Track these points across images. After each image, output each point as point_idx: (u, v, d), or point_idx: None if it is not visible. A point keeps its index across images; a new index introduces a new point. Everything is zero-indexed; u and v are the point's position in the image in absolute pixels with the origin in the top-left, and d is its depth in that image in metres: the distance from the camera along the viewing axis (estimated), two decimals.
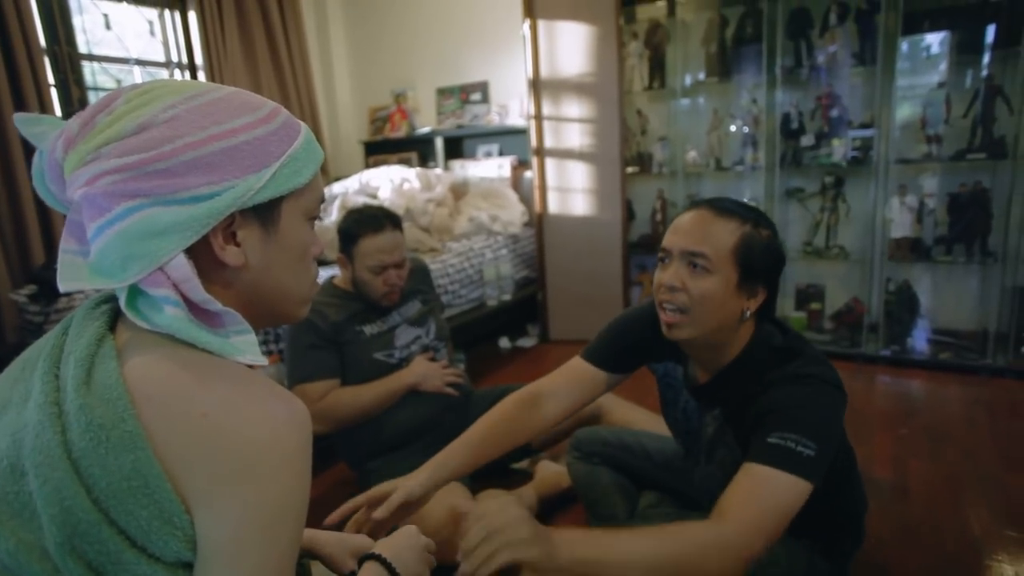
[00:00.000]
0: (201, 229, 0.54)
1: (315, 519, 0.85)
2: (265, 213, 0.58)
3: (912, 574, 1.39)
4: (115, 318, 0.59)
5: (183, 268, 0.53)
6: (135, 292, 0.55)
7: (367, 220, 1.65)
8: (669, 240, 1.03)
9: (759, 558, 0.83)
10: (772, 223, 1.04)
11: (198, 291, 0.54)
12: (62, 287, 0.55)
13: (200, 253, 0.55)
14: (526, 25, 3.06)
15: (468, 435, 1.13)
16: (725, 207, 1.02)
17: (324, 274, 2.25)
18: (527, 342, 3.28)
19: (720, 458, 1.11)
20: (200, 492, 0.51)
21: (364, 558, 0.78)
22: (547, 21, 3.05)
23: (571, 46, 3.04)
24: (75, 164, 0.53)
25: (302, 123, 0.63)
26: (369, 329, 1.70)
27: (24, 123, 0.57)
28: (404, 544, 0.81)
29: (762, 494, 0.86)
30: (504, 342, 3.26)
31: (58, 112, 2.56)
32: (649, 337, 1.15)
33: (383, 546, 0.81)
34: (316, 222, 0.71)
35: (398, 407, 1.68)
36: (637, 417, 1.71)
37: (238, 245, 0.57)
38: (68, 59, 2.65)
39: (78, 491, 0.49)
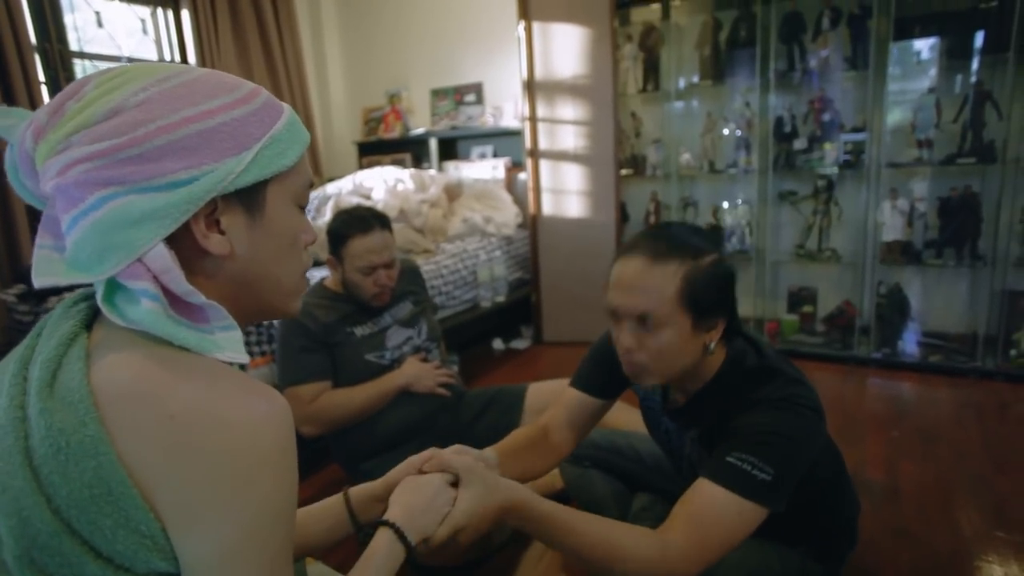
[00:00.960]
0: (180, 216, 0.51)
1: None
2: (249, 198, 0.55)
3: (902, 573, 1.40)
4: (92, 316, 0.57)
5: (163, 258, 0.51)
6: (113, 286, 0.52)
7: (356, 221, 1.64)
8: (613, 299, 0.98)
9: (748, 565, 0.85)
10: (714, 240, 1.03)
11: (179, 282, 0.51)
12: (37, 282, 0.53)
13: (182, 242, 0.53)
14: (521, 27, 3.06)
15: (501, 446, 1.13)
16: (660, 250, 0.95)
17: (316, 275, 2.24)
18: (520, 344, 3.28)
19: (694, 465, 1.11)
20: (174, 502, 0.48)
21: (377, 523, 0.78)
22: (542, 23, 3.06)
23: (566, 48, 3.05)
24: (46, 154, 0.51)
25: (285, 104, 0.60)
26: (360, 330, 1.69)
27: None
28: (420, 505, 0.81)
29: (711, 517, 0.87)
30: (498, 343, 3.26)
31: None
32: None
33: (397, 508, 0.81)
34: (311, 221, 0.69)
35: (390, 408, 1.67)
36: (631, 418, 1.71)
37: (223, 233, 0.54)
38: (59, 57, 2.63)
39: (37, 500, 0.47)
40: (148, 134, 0.50)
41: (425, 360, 1.77)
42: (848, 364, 2.76)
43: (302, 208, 0.61)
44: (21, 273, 2.22)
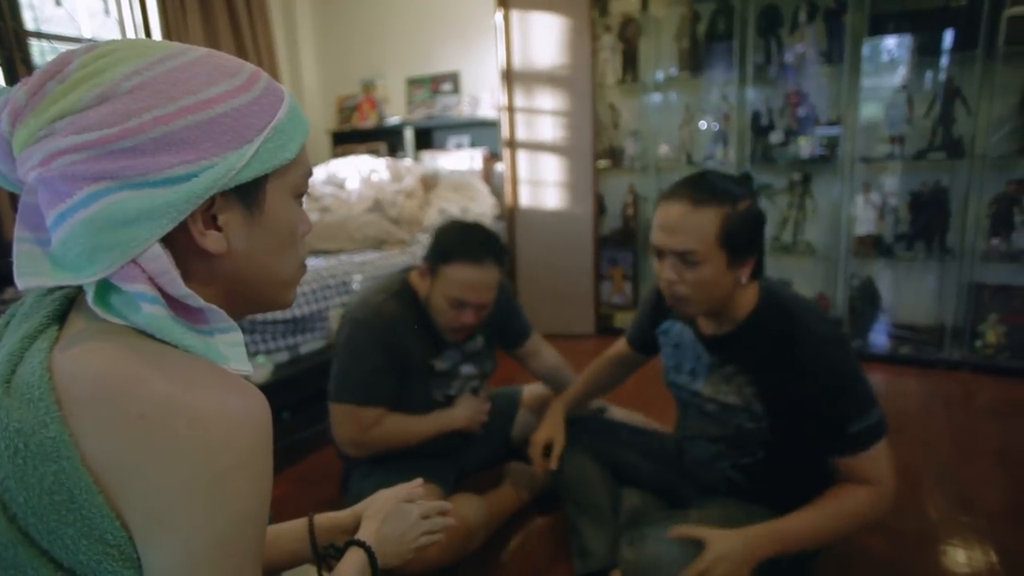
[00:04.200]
0: (178, 215, 0.47)
1: (278, 519, 0.81)
2: (248, 193, 0.51)
3: (874, 559, 1.43)
4: (66, 308, 0.53)
5: (159, 260, 0.47)
6: (106, 288, 0.48)
7: (471, 244, 1.41)
8: (657, 238, 1.12)
9: None
10: (749, 182, 1.14)
11: (177, 285, 0.48)
12: (21, 283, 0.48)
13: (176, 241, 0.49)
14: (499, 15, 3.02)
15: (584, 379, 1.58)
16: (702, 196, 1.07)
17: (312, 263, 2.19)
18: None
19: (710, 431, 1.24)
20: (142, 507, 0.45)
21: (348, 543, 0.77)
22: (520, 12, 3.02)
23: (544, 38, 3.02)
24: (25, 140, 0.46)
25: (284, 88, 0.56)
26: (439, 364, 1.54)
27: None
28: (393, 536, 0.80)
29: (882, 462, 1.07)
30: None
31: None
32: (652, 307, 1.38)
33: (372, 532, 0.79)
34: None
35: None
36: (636, 420, 1.72)
37: (219, 230, 0.51)
38: (14, 35, 2.51)
39: None
40: (143, 125, 0.46)
41: (475, 392, 1.65)
42: None
43: (300, 198, 0.58)
44: None
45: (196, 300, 0.49)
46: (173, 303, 0.49)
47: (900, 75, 2.62)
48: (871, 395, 1.07)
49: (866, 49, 2.60)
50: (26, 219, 0.49)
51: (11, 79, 2.51)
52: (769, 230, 3.02)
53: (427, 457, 1.54)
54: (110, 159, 0.45)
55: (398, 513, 0.82)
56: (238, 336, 0.53)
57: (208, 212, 0.50)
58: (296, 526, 0.84)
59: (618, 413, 1.75)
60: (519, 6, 3.02)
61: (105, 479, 0.44)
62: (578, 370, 1.72)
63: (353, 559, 0.74)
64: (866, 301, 2.80)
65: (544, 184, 3.19)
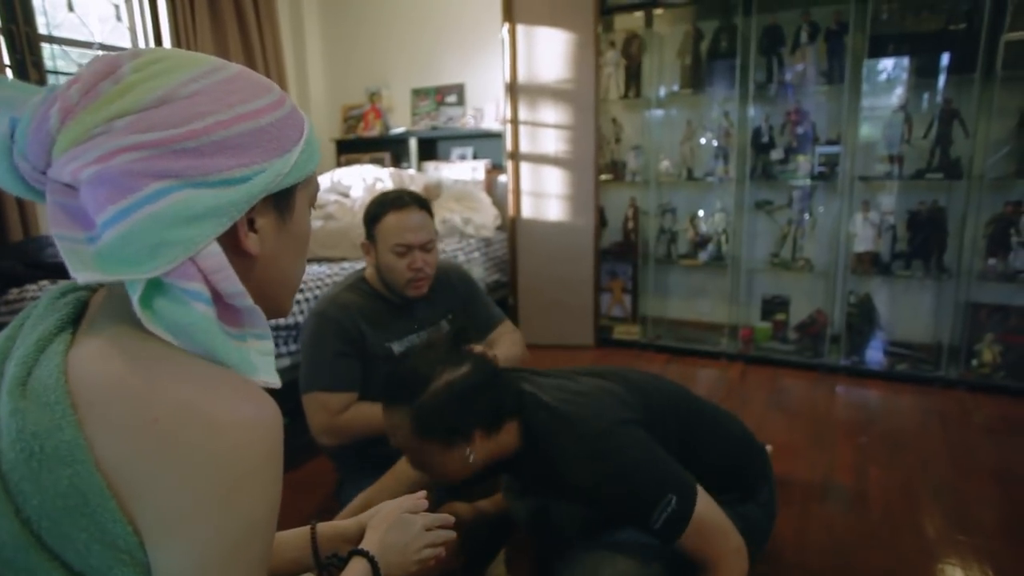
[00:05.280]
0: (236, 215, 0.49)
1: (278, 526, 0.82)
2: (283, 200, 0.55)
3: None
4: (81, 310, 0.53)
5: (216, 257, 0.48)
6: (154, 287, 0.47)
7: (391, 199, 1.54)
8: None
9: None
10: (451, 363, 1.05)
11: (232, 282, 0.49)
12: (80, 278, 0.47)
13: (222, 242, 0.50)
14: (505, 29, 3.06)
15: None
16: (396, 400, 1.05)
17: (315, 270, 2.19)
18: None
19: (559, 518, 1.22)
20: (154, 511, 0.45)
21: (351, 553, 0.78)
22: (526, 26, 3.06)
23: (549, 52, 3.06)
24: (77, 137, 0.46)
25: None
26: (398, 347, 1.57)
27: None
28: (397, 546, 0.81)
29: (710, 534, 1.04)
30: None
31: None
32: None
33: (376, 542, 0.80)
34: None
35: None
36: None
37: (256, 232, 0.54)
38: (26, 39, 2.54)
39: (4, 510, 0.44)
40: (206, 128, 0.48)
41: None
42: (818, 371, 2.81)
43: (311, 208, 0.62)
44: None
45: (245, 299, 0.51)
46: (219, 305, 0.50)
47: (899, 96, 2.66)
48: (659, 477, 1.02)
49: (866, 70, 2.64)
50: (74, 219, 0.48)
51: (21, 79, 2.52)
52: (768, 246, 3.05)
53: None
54: (173, 158, 0.47)
55: (402, 523, 0.83)
56: (270, 345, 0.54)
57: (250, 215, 0.53)
58: (299, 534, 0.84)
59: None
60: (525, 20, 3.06)
61: (118, 483, 0.45)
62: None
63: (356, 568, 0.75)
64: (863, 318, 2.82)
65: (546, 196, 3.22)
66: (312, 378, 1.50)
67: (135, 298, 0.47)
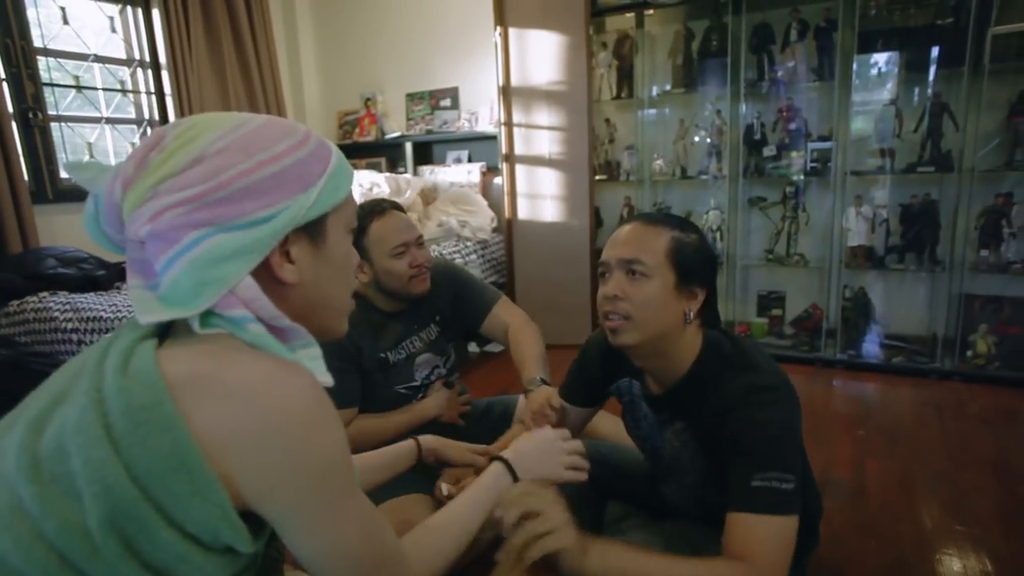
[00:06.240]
0: (264, 250, 0.58)
1: None
2: (314, 229, 0.63)
3: (868, 569, 1.44)
4: (164, 329, 0.62)
5: (251, 288, 0.58)
6: (208, 315, 0.57)
7: (369, 209, 1.55)
8: (606, 254, 1.07)
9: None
10: (698, 228, 1.10)
11: (268, 308, 0.58)
12: (143, 320, 0.58)
13: (258, 275, 0.59)
14: (497, 32, 3.08)
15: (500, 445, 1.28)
16: (654, 218, 1.08)
17: None
18: (495, 347, 3.28)
19: (681, 478, 1.15)
20: (251, 470, 0.55)
21: (493, 459, 0.91)
22: (518, 29, 3.08)
23: (541, 54, 3.08)
24: (135, 203, 0.56)
25: (332, 144, 0.67)
26: (393, 356, 1.59)
27: (74, 170, 0.61)
28: (531, 449, 0.93)
29: (764, 541, 0.91)
30: (472, 347, 3.26)
31: (9, 107, 2.46)
32: (603, 362, 1.23)
33: (510, 449, 0.92)
34: None
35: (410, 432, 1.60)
36: (616, 428, 1.72)
37: (292, 262, 0.62)
38: (21, 52, 2.55)
39: (119, 470, 0.52)
40: (232, 178, 0.57)
41: (448, 384, 1.69)
42: (815, 365, 2.83)
43: (351, 234, 0.70)
44: None
45: (282, 320, 0.59)
46: (265, 325, 0.59)
47: (889, 91, 2.68)
48: (794, 465, 0.95)
49: (856, 65, 2.66)
50: (138, 270, 0.60)
51: (17, 91, 2.55)
52: (762, 243, 3.07)
53: (420, 467, 1.56)
54: (207, 209, 0.56)
55: (538, 438, 0.96)
56: (317, 351, 0.63)
57: (283, 247, 0.61)
58: (396, 453, 1.11)
59: (607, 423, 1.75)
60: (517, 23, 3.08)
61: (209, 447, 0.53)
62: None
63: (492, 470, 0.89)
64: (859, 312, 2.84)
65: (541, 197, 3.24)
66: None
67: (195, 326, 0.58)
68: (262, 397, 0.55)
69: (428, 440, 1.15)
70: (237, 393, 0.55)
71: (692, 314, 1.04)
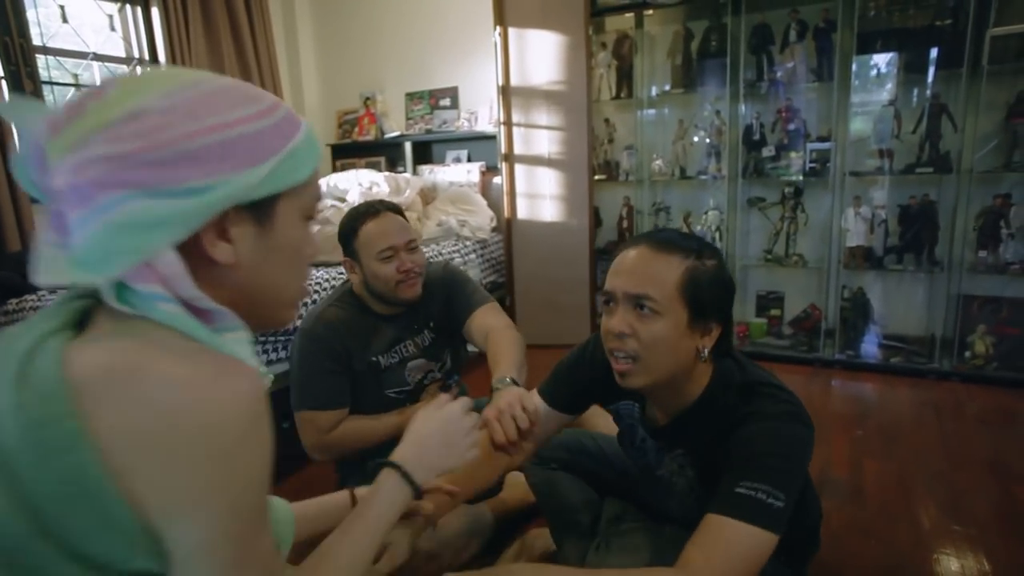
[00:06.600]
0: (193, 224, 0.51)
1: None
2: (261, 210, 0.56)
3: (866, 569, 1.45)
4: (86, 314, 0.55)
5: (173, 263, 0.50)
6: (121, 287, 0.51)
7: (363, 211, 1.54)
8: (611, 283, 0.97)
9: None
10: (717, 250, 1.00)
11: (188, 287, 0.51)
12: (41, 280, 0.52)
13: (189, 249, 0.52)
14: (497, 32, 3.08)
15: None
16: (665, 241, 0.96)
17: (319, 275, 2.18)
18: (479, 348, 3.27)
19: (679, 500, 1.11)
20: (156, 488, 0.48)
21: (381, 464, 0.80)
22: (518, 29, 3.08)
23: (541, 54, 3.08)
24: (60, 151, 0.50)
25: (303, 119, 0.60)
26: (384, 360, 1.57)
27: (6, 108, 0.54)
28: (431, 441, 0.82)
29: (730, 548, 0.84)
30: (471, 347, 3.25)
31: None
32: (601, 379, 1.11)
33: (407, 447, 0.81)
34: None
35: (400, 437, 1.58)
36: (608, 423, 1.70)
37: (230, 242, 0.55)
38: (20, 51, 2.55)
39: (10, 500, 0.46)
40: (171, 139, 0.50)
41: (446, 387, 1.68)
42: (813, 366, 2.84)
43: (309, 221, 0.62)
44: None
45: (205, 302, 0.52)
46: (185, 305, 0.52)
47: (888, 92, 2.68)
48: (789, 485, 0.88)
49: (855, 66, 2.66)
50: (54, 225, 0.53)
51: (16, 90, 2.54)
52: (761, 243, 3.07)
53: None
54: (136, 169, 0.49)
55: (442, 420, 0.85)
56: (244, 335, 0.55)
57: (221, 224, 0.53)
58: (337, 501, 0.94)
59: (599, 420, 1.73)
60: (517, 23, 3.08)
61: (117, 464, 0.47)
62: None
63: (385, 480, 0.78)
64: (857, 312, 2.84)
65: (541, 197, 3.24)
66: (302, 397, 1.51)
67: (109, 298, 0.51)
68: (183, 400, 0.47)
69: (363, 492, 0.99)
70: (155, 394, 0.47)
71: (706, 351, 0.95)
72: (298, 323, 2.11)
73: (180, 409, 0.47)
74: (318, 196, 0.63)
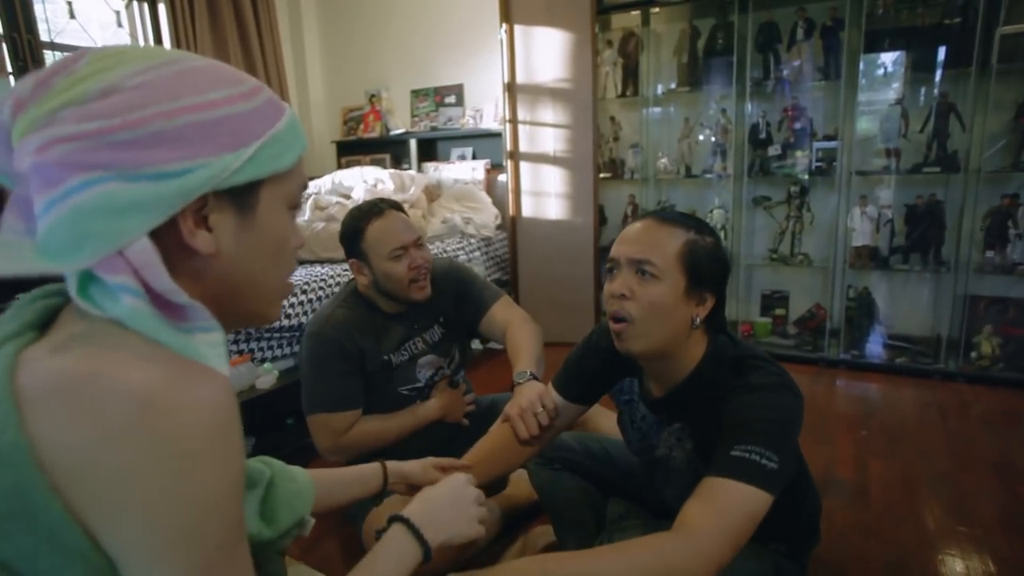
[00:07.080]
0: (168, 210, 0.47)
1: None
2: (242, 197, 0.52)
3: (871, 569, 1.44)
4: (52, 315, 0.52)
5: (146, 252, 0.46)
6: (87, 279, 0.47)
7: (366, 211, 1.53)
8: (616, 250, 1.03)
9: (728, 565, 0.84)
10: (715, 232, 1.06)
11: (162, 279, 0.47)
12: (2, 271, 0.47)
13: (166, 238, 0.48)
14: (503, 29, 3.08)
15: (473, 454, 1.19)
16: (669, 216, 1.04)
17: (298, 273, 2.19)
18: (499, 344, 3.28)
19: (676, 480, 1.13)
20: (99, 499, 0.44)
21: (391, 519, 0.77)
22: (524, 26, 3.08)
23: (547, 52, 3.08)
24: (25, 129, 0.46)
25: (287, 105, 0.57)
26: (395, 358, 1.58)
27: None
28: (442, 501, 0.81)
29: (727, 505, 0.86)
30: (476, 344, 3.26)
31: None
32: (607, 365, 1.19)
33: (416, 505, 0.79)
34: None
35: (412, 434, 1.59)
36: (611, 424, 1.71)
37: (210, 230, 0.51)
38: (28, 47, 2.57)
39: None
40: (144, 119, 0.46)
41: (454, 384, 1.69)
42: (818, 365, 2.83)
43: (294, 211, 0.59)
44: None
45: (179, 296, 0.48)
46: (156, 300, 0.48)
47: (895, 90, 2.67)
48: (783, 449, 0.91)
49: (862, 65, 2.65)
50: (16, 210, 0.49)
51: None
52: (767, 242, 3.06)
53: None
54: (107, 150, 0.45)
55: (448, 487, 0.84)
56: (219, 336, 0.51)
57: (200, 212, 0.50)
58: (367, 471, 0.97)
59: (602, 419, 1.74)
60: (522, 21, 3.07)
61: (63, 478, 0.43)
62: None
63: (393, 534, 0.75)
64: (862, 312, 2.83)
65: (546, 195, 3.24)
66: (315, 400, 1.50)
67: (72, 289, 0.47)
68: (135, 410, 0.43)
69: (394, 466, 1.02)
70: (106, 405, 0.43)
71: (699, 320, 1.01)
72: (293, 323, 2.14)
73: (131, 421, 0.43)
74: (304, 185, 0.59)
